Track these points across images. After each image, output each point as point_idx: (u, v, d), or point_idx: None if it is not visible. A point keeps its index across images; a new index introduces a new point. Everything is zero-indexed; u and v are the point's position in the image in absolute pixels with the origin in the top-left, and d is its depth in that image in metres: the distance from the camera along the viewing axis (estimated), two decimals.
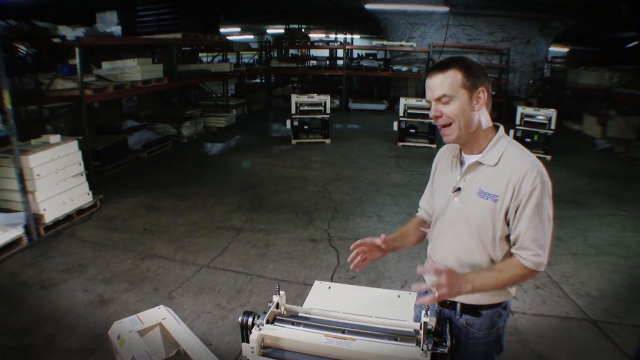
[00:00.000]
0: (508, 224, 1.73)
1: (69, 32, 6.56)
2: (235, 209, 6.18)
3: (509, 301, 1.90)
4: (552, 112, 9.17)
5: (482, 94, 1.70)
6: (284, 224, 5.69)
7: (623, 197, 7.06)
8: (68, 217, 5.59)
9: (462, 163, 1.86)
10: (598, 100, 12.19)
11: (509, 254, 1.77)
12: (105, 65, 8.08)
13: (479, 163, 1.77)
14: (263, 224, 5.67)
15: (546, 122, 9.29)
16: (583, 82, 12.84)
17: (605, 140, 11.00)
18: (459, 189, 1.81)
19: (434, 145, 9.96)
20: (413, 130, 10.30)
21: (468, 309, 1.86)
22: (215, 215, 5.96)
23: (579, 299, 4.13)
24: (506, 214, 1.71)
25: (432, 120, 1.81)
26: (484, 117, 1.75)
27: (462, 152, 1.86)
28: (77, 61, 6.45)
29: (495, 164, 1.73)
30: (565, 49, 19.90)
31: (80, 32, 6.68)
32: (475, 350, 1.90)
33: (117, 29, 8.06)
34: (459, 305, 1.87)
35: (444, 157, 1.99)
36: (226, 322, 3.68)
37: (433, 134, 10.01)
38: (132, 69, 7.97)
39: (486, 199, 1.72)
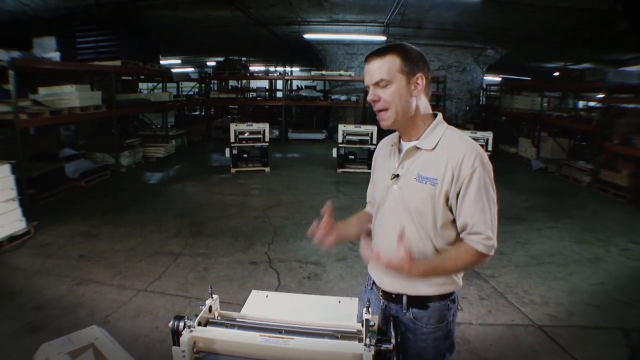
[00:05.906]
0: (451, 210, 1.71)
1: (3, 55, 6.35)
2: (173, 234, 6.17)
3: (457, 293, 1.85)
4: (489, 134, 9.76)
5: (421, 80, 1.71)
6: (223, 248, 5.74)
7: (559, 211, 7.72)
8: None
9: (400, 151, 1.84)
10: (531, 123, 13.16)
11: (456, 241, 1.75)
12: (42, 90, 7.89)
13: (416, 148, 1.75)
14: (202, 249, 5.69)
15: (484, 143, 9.80)
16: (517, 107, 13.85)
17: (540, 160, 11.90)
18: (397, 175, 1.78)
19: None
20: (352, 157, 10.61)
21: (414, 301, 1.80)
22: (154, 241, 5.92)
23: (523, 306, 4.37)
24: (447, 199, 1.68)
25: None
26: (422, 103, 1.76)
27: (401, 140, 1.85)
28: (11, 84, 6.26)
29: (433, 149, 1.71)
30: (498, 78, 21.20)
31: (15, 54, 6.50)
32: (424, 347, 1.82)
33: (55, 55, 7.93)
34: (405, 298, 1.81)
35: (382, 149, 1.97)
36: (164, 345, 3.64)
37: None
38: (70, 95, 7.82)
39: (424, 183, 1.69)
